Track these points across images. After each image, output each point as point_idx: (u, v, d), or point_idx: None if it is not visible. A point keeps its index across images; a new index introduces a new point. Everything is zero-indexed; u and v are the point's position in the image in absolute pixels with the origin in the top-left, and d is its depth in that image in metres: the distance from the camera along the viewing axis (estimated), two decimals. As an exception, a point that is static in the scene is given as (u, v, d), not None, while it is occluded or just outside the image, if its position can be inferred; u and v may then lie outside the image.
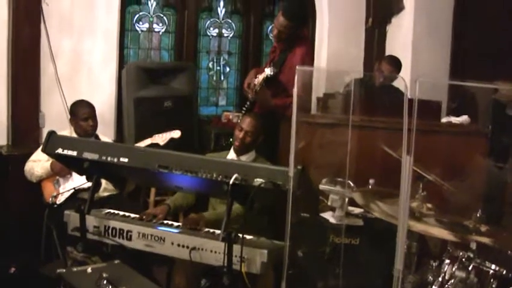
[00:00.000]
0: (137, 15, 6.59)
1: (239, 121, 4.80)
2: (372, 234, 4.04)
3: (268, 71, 5.28)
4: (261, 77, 5.28)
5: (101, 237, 3.74)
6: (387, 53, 7.01)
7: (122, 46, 6.40)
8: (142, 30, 6.65)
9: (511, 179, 5.06)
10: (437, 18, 6.93)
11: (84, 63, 6.02)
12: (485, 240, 3.42)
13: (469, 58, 6.96)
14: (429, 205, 3.69)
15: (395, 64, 6.18)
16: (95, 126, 5.19)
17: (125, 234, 3.68)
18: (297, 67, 3.35)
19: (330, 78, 6.29)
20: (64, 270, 3.35)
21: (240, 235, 3.25)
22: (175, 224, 3.95)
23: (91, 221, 3.75)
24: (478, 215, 3.53)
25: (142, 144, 5.11)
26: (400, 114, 2.54)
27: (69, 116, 5.33)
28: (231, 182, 3.22)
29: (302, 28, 5.55)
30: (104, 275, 3.14)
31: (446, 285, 3.57)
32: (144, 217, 4.02)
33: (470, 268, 3.54)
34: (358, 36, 7.29)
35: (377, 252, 3.92)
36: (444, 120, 5.40)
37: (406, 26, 6.93)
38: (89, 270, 3.31)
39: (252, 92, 5.30)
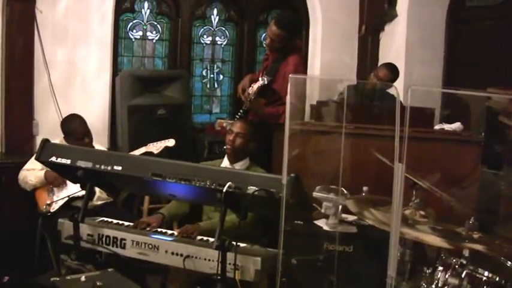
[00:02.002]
0: (131, 23, 6.59)
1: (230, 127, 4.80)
2: (366, 242, 4.04)
3: (262, 81, 5.30)
4: (255, 86, 5.30)
5: (95, 245, 3.74)
6: (381, 61, 7.03)
7: (115, 54, 6.40)
8: (136, 38, 6.65)
9: (504, 186, 5.06)
10: (431, 25, 6.95)
11: (78, 71, 6.01)
12: (477, 247, 3.42)
13: (461, 66, 6.98)
14: (422, 212, 3.70)
15: (393, 70, 6.18)
16: (91, 141, 5.18)
17: (118, 242, 3.68)
18: (290, 75, 3.36)
19: (324, 86, 6.30)
20: (58, 279, 3.35)
21: (234, 243, 3.26)
22: (169, 232, 3.96)
23: (85, 229, 3.75)
24: (470, 222, 3.55)
25: (137, 153, 5.11)
26: (392, 121, 2.55)
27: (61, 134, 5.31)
28: (224, 190, 3.22)
29: (295, 38, 5.56)
30: (98, 283, 3.15)
31: (440, 292, 3.58)
32: (138, 225, 4.03)
33: (463, 275, 3.54)
34: (352, 44, 7.32)
35: (371, 260, 3.92)
36: (437, 127, 5.41)
37: (399, 34, 6.95)
38: (83, 278, 3.31)
39: (246, 101, 5.31)
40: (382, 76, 6.08)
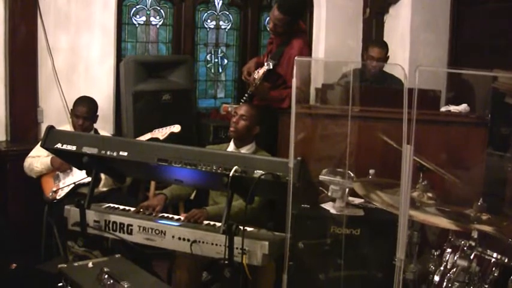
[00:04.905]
0: (134, 9, 6.54)
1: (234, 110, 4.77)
2: (373, 225, 4.03)
3: (267, 66, 5.28)
4: (261, 71, 5.27)
5: (102, 231, 3.74)
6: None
7: (119, 40, 6.37)
8: (139, 24, 6.61)
9: (510, 167, 5.04)
10: (435, 7, 6.92)
11: (82, 57, 5.98)
12: (486, 228, 3.42)
13: (466, 48, 6.94)
14: (430, 194, 3.69)
15: (383, 46, 6.14)
16: (82, 126, 5.14)
17: (125, 228, 3.67)
18: (295, 58, 3.34)
19: (328, 69, 6.28)
20: (65, 265, 3.36)
21: (241, 227, 3.25)
22: (176, 217, 3.95)
23: (91, 215, 3.75)
24: (479, 203, 3.54)
25: (142, 139, 5.09)
26: (398, 103, 2.53)
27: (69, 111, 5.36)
28: (231, 174, 3.22)
29: (298, 21, 5.53)
30: (105, 269, 3.15)
31: (448, 274, 3.58)
32: (141, 210, 4.02)
33: (471, 257, 3.54)
34: (356, 27, 7.26)
35: (378, 242, 3.91)
36: (443, 109, 5.39)
37: (404, 16, 6.91)
38: (90, 264, 3.32)
39: (252, 85, 5.29)
40: (376, 56, 6.03)
